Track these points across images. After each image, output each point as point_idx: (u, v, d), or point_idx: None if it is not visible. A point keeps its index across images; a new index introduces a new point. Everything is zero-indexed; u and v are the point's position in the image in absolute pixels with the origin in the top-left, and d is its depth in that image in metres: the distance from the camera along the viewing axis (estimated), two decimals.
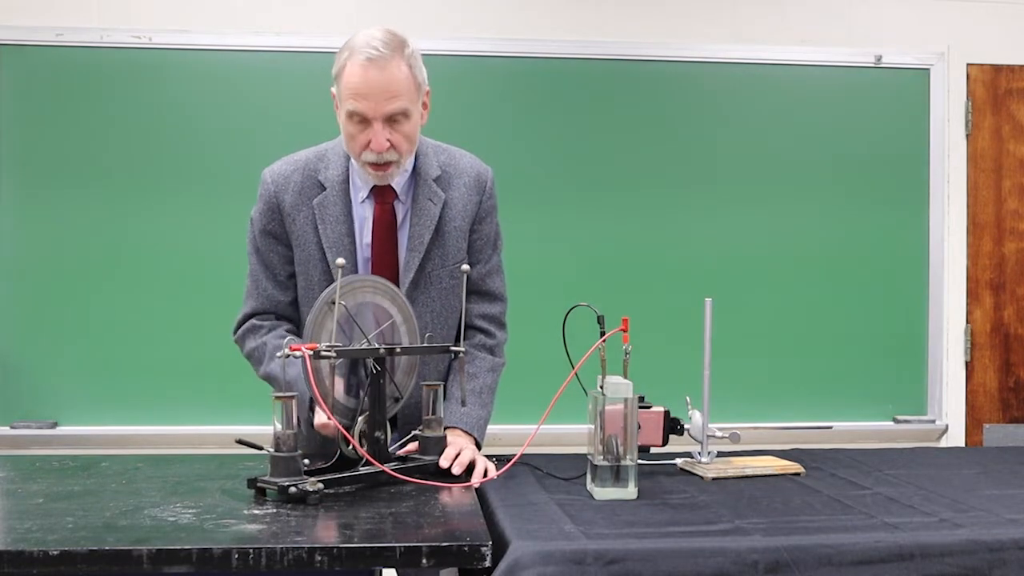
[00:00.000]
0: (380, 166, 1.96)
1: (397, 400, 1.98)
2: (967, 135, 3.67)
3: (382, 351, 1.84)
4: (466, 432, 2.02)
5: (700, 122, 3.58)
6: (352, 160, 2.03)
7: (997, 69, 3.69)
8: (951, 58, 3.65)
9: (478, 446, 2.02)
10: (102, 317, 3.36)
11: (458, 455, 1.89)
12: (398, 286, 1.98)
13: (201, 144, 3.40)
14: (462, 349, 2.00)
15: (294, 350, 1.70)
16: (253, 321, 2.15)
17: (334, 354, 1.74)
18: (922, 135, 3.64)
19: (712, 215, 3.56)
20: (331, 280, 1.88)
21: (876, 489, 1.81)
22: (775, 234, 3.59)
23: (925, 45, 3.66)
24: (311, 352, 1.71)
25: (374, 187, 2.03)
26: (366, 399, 1.84)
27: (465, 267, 2.02)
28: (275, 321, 2.14)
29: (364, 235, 2.05)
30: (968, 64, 3.67)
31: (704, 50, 3.57)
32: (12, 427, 3.34)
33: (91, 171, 3.37)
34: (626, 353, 1.83)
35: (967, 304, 3.68)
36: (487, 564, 1.43)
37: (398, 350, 1.89)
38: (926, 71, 3.63)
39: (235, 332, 2.20)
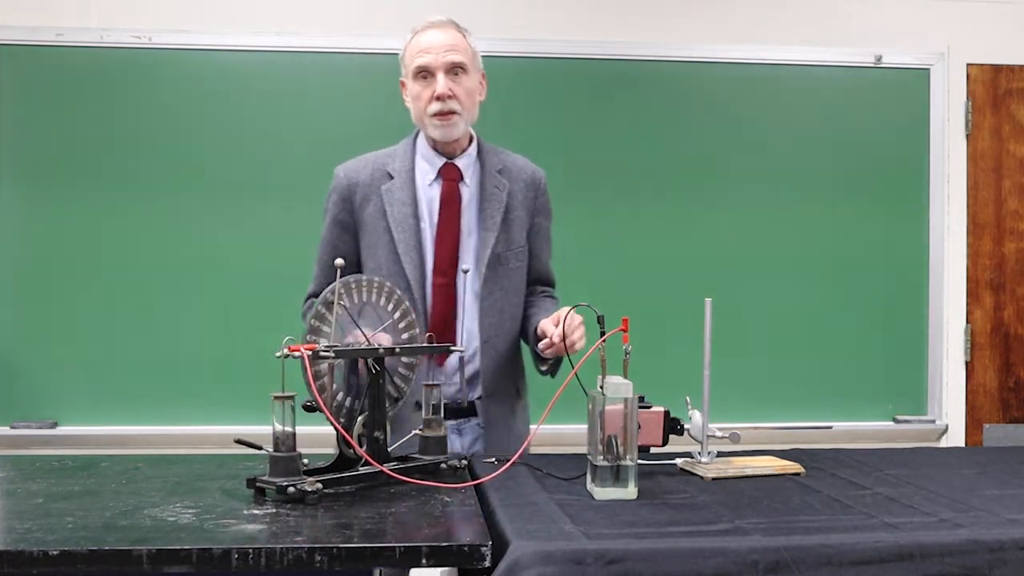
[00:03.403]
0: (444, 115, 2.17)
1: (396, 400, 1.98)
2: (967, 135, 3.67)
3: (382, 351, 1.85)
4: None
5: (700, 122, 3.58)
6: (419, 140, 2.26)
7: (997, 69, 3.69)
8: (951, 58, 3.65)
9: None
10: (102, 317, 3.37)
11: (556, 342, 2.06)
12: (457, 262, 2.19)
13: (201, 144, 3.40)
14: (462, 349, 2.03)
15: (293, 350, 1.70)
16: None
17: (333, 354, 1.74)
18: (922, 135, 3.64)
19: (712, 215, 3.56)
20: (397, 261, 2.17)
21: (876, 489, 1.81)
22: (775, 234, 3.59)
23: (925, 45, 3.66)
24: (310, 352, 1.71)
25: (440, 169, 2.23)
26: (366, 399, 1.84)
27: (465, 267, 2.14)
28: None
29: (432, 215, 2.23)
30: (968, 64, 3.67)
31: (704, 50, 3.57)
32: (12, 427, 3.34)
33: (91, 171, 3.37)
34: (626, 353, 1.83)
35: (967, 304, 3.68)
36: (487, 564, 1.43)
37: (398, 350, 1.89)
38: (926, 71, 3.63)
39: (302, 308, 2.36)
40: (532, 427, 2.00)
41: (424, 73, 2.18)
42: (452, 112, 2.17)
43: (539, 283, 2.38)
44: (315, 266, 2.33)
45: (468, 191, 2.25)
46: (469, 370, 2.22)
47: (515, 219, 2.27)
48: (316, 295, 2.21)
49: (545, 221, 2.36)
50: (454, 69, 2.17)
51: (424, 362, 2.16)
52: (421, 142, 2.28)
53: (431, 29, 2.19)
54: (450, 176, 2.24)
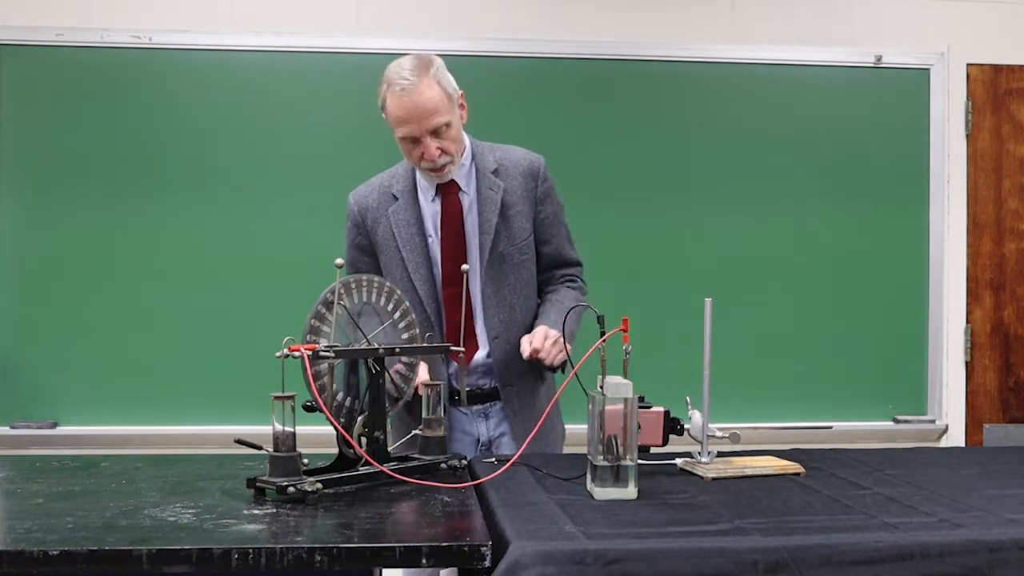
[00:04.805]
0: (437, 170, 2.23)
1: (396, 400, 1.98)
2: (967, 135, 3.67)
3: (381, 351, 1.85)
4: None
5: (700, 122, 3.58)
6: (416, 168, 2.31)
7: (997, 69, 3.69)
8: (951, 58, 3.65)
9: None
10: (102, 317, 3.37)
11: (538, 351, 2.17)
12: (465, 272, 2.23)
13: (201, 144, 3.40)
14: (462, 349, 2.04)
15: (293, 350, 1.70)
16: None
17: (333, 354, 1.74)
18: (922, 135, 3.64)
19: (712, 215, 3.56)
20: (411, 278, 2.26)
21: (876, 489, 1.81)
22: (775, 234, 3.59)
23: (925, 45, 3.66)
24: (310, 352, 1.71)
25: (438, 185, 2.29)
26: (366, 399, 1.84)
27: (465, 267, 2.12)
28: None
29: (439, 229, 2.30)
30: (968, 64, 3.67)
31: (704, 50, 3.57)
32: (12, 427, 3.34)
33: (91, 171, 3.37)
34: (626, 353, 1.83)
35: (967, 304, 3.68)
36: (487, 564, 1.43)
37: (397, 350, 1.89)
38: (926, 71, 3.63)
39: None
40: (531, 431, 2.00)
41: (409, 139, 2.20)
42: (444, 166, 2.22)
43: (557, 267, 2.41)
44: None
45: (468, 198, 2.30)
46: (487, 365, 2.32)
47: (515, 214, 2.31)
48: None
49: (550, 207, 2.37)
50: (437, 130, 2.18)
51: (440, 361, 2.25)
52: None
53: (404, 97, 2.15)
54: (448, 190, 2.29)
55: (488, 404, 2.32)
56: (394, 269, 2.30)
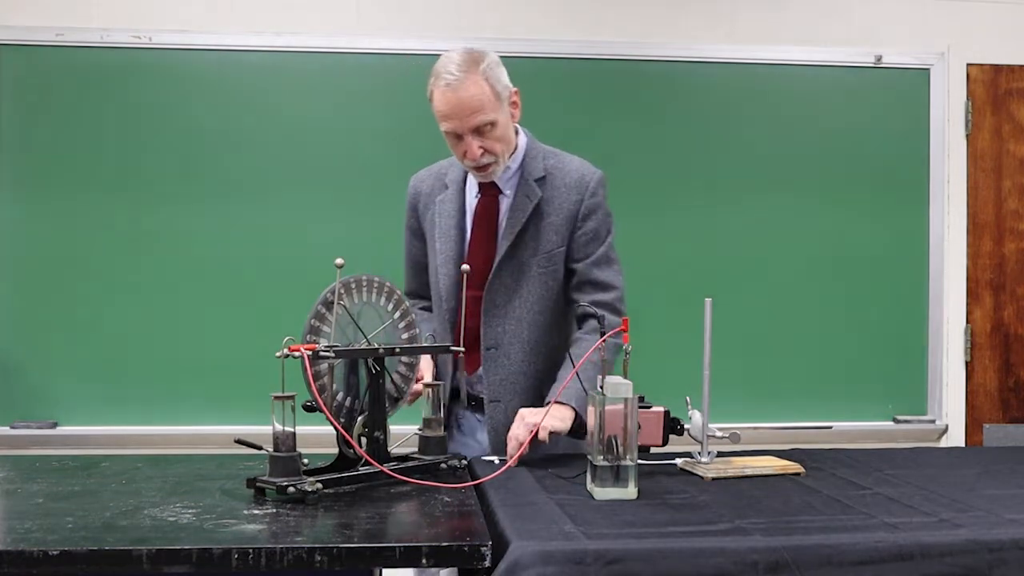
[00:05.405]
0: (480, 168, 2.18)
1: (397, 400, 1.98)
2: (967, 135, 3.67)
3: (381, 351, 1.85)
4: (562, 403, 2.05)
5: (700, 122, 3.58)
6: None
7: (997, 69, 3.69)
8: (951, 58, 3.65)
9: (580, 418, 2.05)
10: (102, 317, 3.36)
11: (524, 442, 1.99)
12: (489, 276, 2.20)
13: (201, 144, 3.40)
14: (461, 349, 2.03)
15: (293, 350, 1.70)
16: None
17: (333, 354, 1.74)
18: (922, 135, 3.64)
19: (712, 215, 3.56)
20: (443, 269, 2.23)
21: (876, 489, 1.81)
22: (775, 234, 3.59)
23: (925, 45, 3.65)
24: (310, 352, 1.71)
25: (481, 184, 2.25)
26: (366, 399, 1.84)
27: (465, 267, 2.10)
28: (419, 300, 2.38)
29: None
30: (968, 64, 3.67)
31: (704, 50, 3.57)
32: (12, 427, 3.34)
33: (91, 171, 3.37)
34: (626, 353, 1.83)
35: (967, 304, 3.68)
36: (487, 564, 1.43)
37: (397, 350, 1.89)
38: (926, 71, 3.63)
39: None
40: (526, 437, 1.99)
41: (452, 135, 2.14)
42: (487, 165, 2.16)
43: (585, 289, 2.23)
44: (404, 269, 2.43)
45: (506, 201, 2.23)
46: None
47: (547, 225, 2.21)
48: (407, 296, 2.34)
49: (593, 224, 2.23)
50: (480, 128, 2.11)
51: (450, 362, 2.20)
52: None
53: (449, 92, 2.08)
54: (488, 190, 2.24)
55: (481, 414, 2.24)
56: (433, 258, 2.28)
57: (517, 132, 2.26)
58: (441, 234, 2.25)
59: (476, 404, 2.23)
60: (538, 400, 2.16)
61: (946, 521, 1.58)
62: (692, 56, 3.56)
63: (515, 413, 2.07)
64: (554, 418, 2.01)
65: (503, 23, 3.51)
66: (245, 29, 3.42)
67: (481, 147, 2.12)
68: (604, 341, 1.86)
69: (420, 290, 2.38)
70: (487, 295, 2.20)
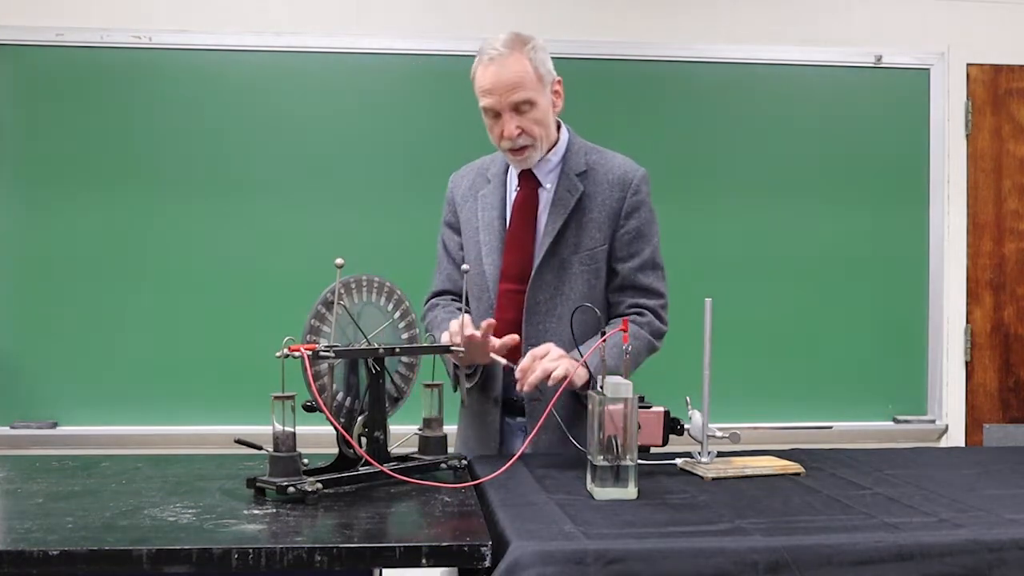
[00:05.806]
0: (517, 151, 2.14)
1: (397, 400, 1.98)
2: (967, 135, 3.67)
3: (381, 351, 1.85)
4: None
5: (699, 122, 3.58)
6: None
7: (997, 69, 3.69)
8: (951, 58, 3.65)
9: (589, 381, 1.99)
10: (102, 317, 3.37)
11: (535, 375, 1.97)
12: (530, 270, 2.16)
13: (201, 144, 3.40)
14: (462, 349, 2.00)
15: (293, 350, 1.70)
16: (435, 300, 2.34)
17: (333, 354, 1.74)
18: (922, 135, 3.64)
19: (712, 215, 3.56)
20: (480, 262, 2.20)
21: (876, 489, 1.81)
22: (775, 234, 3.59)
23: (925, 45, 3.65)
24: (310, 352, 1.71)
25: (521, 175, 2.21)
26: (366, 399, 1.84)
27: (465, 267, 2.10)
28: (452, 298, 2.32)
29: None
30: (968, 64, 3.67)
31: (704, 50, 3.57)
32: (12, 427, 3.34)
33: (91, 171, 3.37)
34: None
35: (967, 304, 3.68)
36: (487, 564, 1.43)
37: (397, 350, 1.89)
38: (926, 71, 3.63)
39: (423, 308, 2.36)
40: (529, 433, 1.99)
41: (491, 112, 2.12)
42: (524, 147, 2.13)
43: (627, 291, 2.20)
44: (436, 265, 2.38)
45: (546, 195, 2.20)
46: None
47: (589, 222, 2.17)
48: (436, 295, 2.35)
49: (636, 223, 2.18)
50: (519, 107, 2.09)
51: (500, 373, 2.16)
52: None
53: (491, 66, 2.08)
54: (527, 184, 2.21)
55: (523, 419, 2.17)
56: (471, 251, 2.24)
57: (560, 127, 2.24)
58: (484, 226, 2.22)
59: (513, 408, 2.17)
60: (577, 402, 2.10)
61: (946, 521, 1.58)
62: (692, 56, 3.56)
63: (565, 412, 2.05)
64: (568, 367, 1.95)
65: (502, 23, 3.47)
66: (245, 29, 3.42)
67: (519, 127, 2.09)
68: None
69: (452, 285, 2.32)
70: (530, 292, 2.15)
